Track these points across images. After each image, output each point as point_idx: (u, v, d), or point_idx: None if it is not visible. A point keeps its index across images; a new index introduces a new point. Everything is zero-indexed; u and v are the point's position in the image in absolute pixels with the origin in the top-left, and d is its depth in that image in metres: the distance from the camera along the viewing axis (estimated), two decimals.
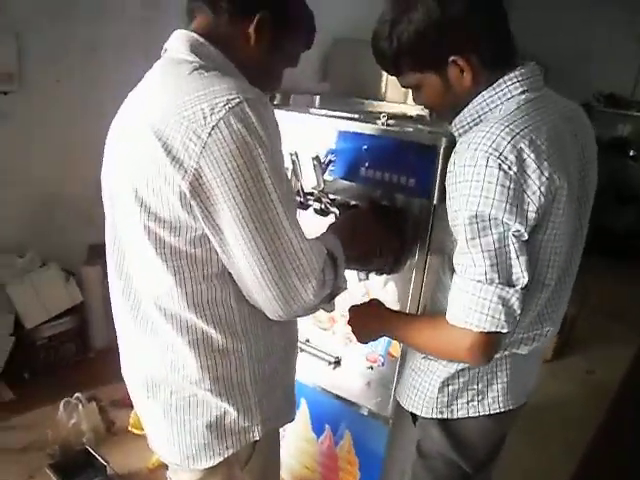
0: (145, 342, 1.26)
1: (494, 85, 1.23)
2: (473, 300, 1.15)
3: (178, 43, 1.20)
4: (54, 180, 3.39)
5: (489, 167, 1.10)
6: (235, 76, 1.18)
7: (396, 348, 1.80)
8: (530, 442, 2.91)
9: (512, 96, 1.22)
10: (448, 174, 1.20)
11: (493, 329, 1.15)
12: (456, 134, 1.31)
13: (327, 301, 1.23)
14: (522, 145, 1.12)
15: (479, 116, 1.25)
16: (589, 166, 1.32)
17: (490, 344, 1.18)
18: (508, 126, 1.14)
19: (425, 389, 1.42)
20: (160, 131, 1.07)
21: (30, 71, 3.22)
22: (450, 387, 1.39)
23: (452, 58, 1.20)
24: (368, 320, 1.48)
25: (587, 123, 1.36)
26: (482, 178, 1.11)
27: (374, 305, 1.50)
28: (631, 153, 6.39)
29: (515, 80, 1.22)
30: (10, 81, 3.14)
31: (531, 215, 1.13)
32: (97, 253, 3.43)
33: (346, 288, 1.27)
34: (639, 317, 4.64)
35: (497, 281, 1.13)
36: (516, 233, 1.13)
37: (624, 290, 5.16)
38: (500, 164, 1.10)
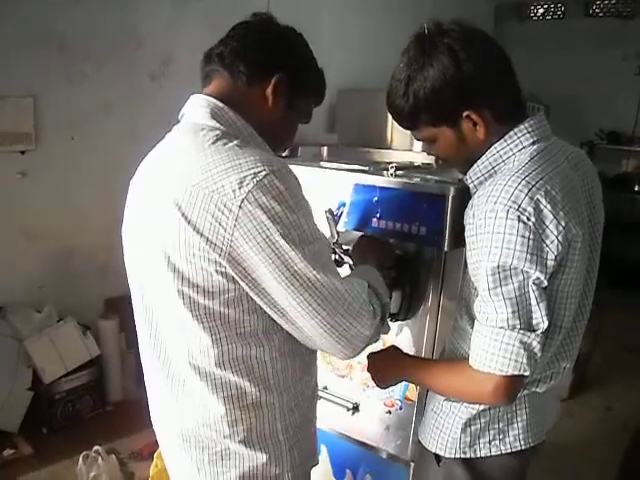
0: (176, 398, 1.27)
1: (506, 137, 1.28)
2: (496, 346, 1.19)
3: (197, 108, 1.24)
4: (69, 235, 3.47)
5: (509, 219, 1.15)
6: (256, 143, 1.23)
7: (413, 392, 1.81)
8: None
9: (524, 147, 1.27)
10: (467, 226, 1.25)
11: (516, 372, 1.19)
12: (471, 185, 1.36)
13: (383, 325, 1.30)
14: (539, 197, 1.17)
15: (493, 168, 1.30)
16: (597, 209, 1.38)
17: (513, 386, 1.22)
18: (524, 179, 1.19)
19: (448, 430, 1.44)
20: (188, 206, 1.09)
21: (46, 131, 3.33)
22: (472, 427, 1.41)
23: (466, 113, 1.26)
24: (386, 366, 1.52)
25: (591, 167, 1.42)
26: (503, 230, 1.16)
27: (392, 351, 1.54)
28: (636, 188, 6.44)
29: (525, 131, 1.28)
30: (28, 141, 3.25)
31: (550, 263, 1.18)
32: (113, 307, 3.49)
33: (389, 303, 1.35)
34: None
35: (519, 327, 1.18)
36: (536, 281, 1.17)
37: (635, 322, 5.13)
38: (519, 216, 1.15)
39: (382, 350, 1.57)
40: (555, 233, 1.17)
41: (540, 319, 1.19)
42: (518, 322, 1.18)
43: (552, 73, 6.31)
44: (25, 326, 3.18)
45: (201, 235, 1.08)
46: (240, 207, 1.06)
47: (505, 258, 1.16)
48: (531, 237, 1.15)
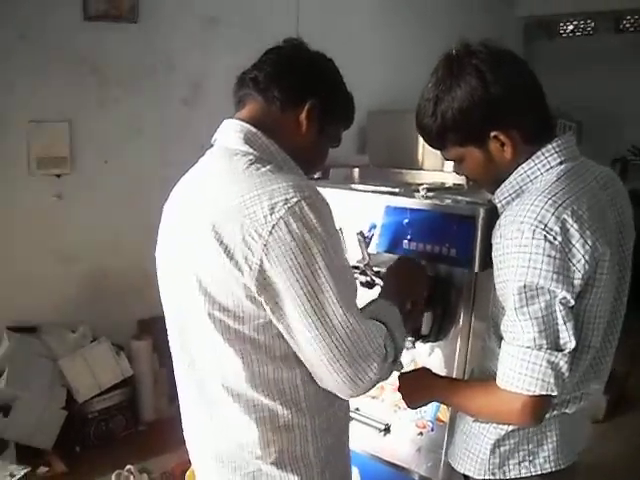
0: (210, 419, 1.29)
1: (533, 157, 1.29)
2: (523, 365, 1.19)
3: (231, 133, 1.26)
4: (104, 256, 3.53)
5: (535, 239, 1.16)
6: (289, 168, 1.25)
7: (445, 413, 1.80)
8: None
9: (551, 167, 1.28)
10: (495, 246, 1.25)
11: (543, 392, 1.19)
12: (498, 205, 1.36)
13: (395, 365, 1.27)
14: (565, 216, 1.17)
15: (520, 187, 1.30)
16: (627, 228, 1.37)
17: (540, 406, 1.22)
18: (551, 198, 1.19)
19: (477, 451, 1.43)
20: (220, 230, 1.11)
21: (81, 154, 3.42)
22: (502, 448, 1.40)
23: (494, 134, 1.26)
24: (417, 386, 1.51)
25: (621, 187, 1.41)
26: (529, 250, 1.16)
27: (422, 372, 1.54)
28: None
29: (553, 151, 1.28)
30: (63, 165, 3.33)
31: (577, 282, 1.18)
32: (146, 328, 3.53)
33: (406, 346, 1.33)
34: None
35: (545, 346, 1.18)
36: (563, 300, 1.17)
37: None
38: (546, 235, 1.15)
39: (413, 371, 1.57)
40: (582, 252, 1.17)
41: (567, 339, 1.18)
42: (545, 342, 1.17)
43: (583, 90, 6.26)
44: (60, 346, 3.24)
45: (231, 259, 1.10)
46: (270, 233, 1.08)
47: (532, 277, 1.16)
48: (557, 256, 1.15)
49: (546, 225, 1.16)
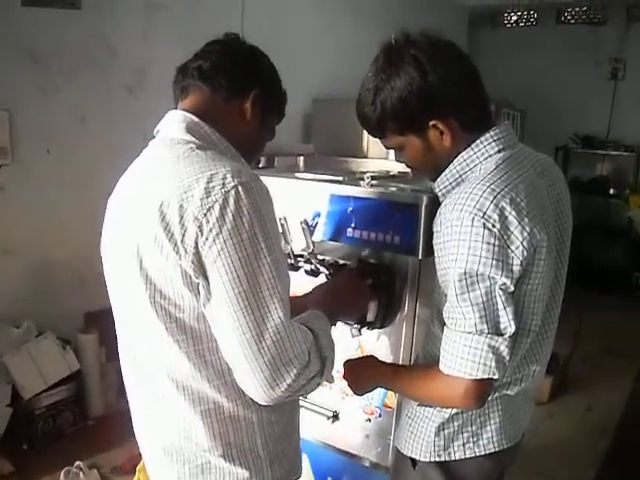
0: (157, 412, 1.28)
1: (472, 146, 1.31)
2: (465, 350, 1.22)
3: (174, 124, 1.26)
4: (47, 248, 3.45)
5: (474, 227, 1.18)
6: (232, 155, 1.25)
7: (392, 399, 1.83)
8: None
9: (489, 155, 1.30)
10: (435, 234, 1.27)
11: (485, 376, 1.22)
12: (439, 194, 1.39)
13: (321, 376, 1.21)
14: (503, 204, 1.19)
15: (460, 176, 1.33)
16: (565, 214, 1.40)
17: (482, 390, 1.25)
18: (490, 186, 1.21)
19: (422, 434, 1.46)
20: (163, 212, 1.11)
21: (22, 144, 3.31)
22: (446, 431, 1.43)
23: (432, 122, 1.28)
24: (363, 373, 1.53)
25: (559, 173, 1.44)
26: (468, 237, 1.18)
27: (368, 359, 1.57)
28: (611, 191, 6.53)
29: (491, 140, 1.30)
30: (4, 155, 3.23)
31: (516, 268, 1.21)
32: (93, 321, 3.47)
33: (334, 359, 1.26)
34: (632, 350, 4.69)
35: (486, 331, 1.20)
36: (503, 286, 1.20)
37: (614, 324, 5.22)
38: (484, 223, 1.17)
39: (358, 358, 1.59)
40: (520, 239, 1.20)
41: (507, 323, 1.21)
42: (486, 327, 1.20)
43: (526, 79, 6.40)
44: (3, 342, 3.16)
45: (170, 240, 1.10)
46: (205, 215, 1.08)
47: (472, 265, 1.18)
48: (496, 243, 1.18)
49: (485, 213, 1.18)
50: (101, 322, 3.10)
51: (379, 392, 1.81)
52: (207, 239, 1.08)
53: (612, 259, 6.34)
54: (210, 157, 1.18)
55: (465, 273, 1.19)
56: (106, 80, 3.61)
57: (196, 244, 1.09)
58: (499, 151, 1.30)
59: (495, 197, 1.20)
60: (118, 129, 3.60)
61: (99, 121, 3.59)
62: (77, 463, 2.73)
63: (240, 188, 1.10)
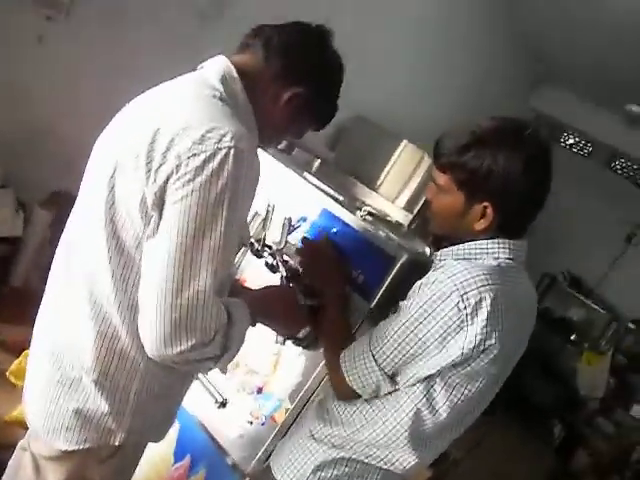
0: (63, 314, 1.29)
1: (489, 241, 1.35)
2: (362, 367, 1.36)
3: (215, 67, 1.27)
4: (48, 114, 3.35)
5: (449, 299, 1.24)
6: (246, 118, 1.25)
7: (281, 415, 1.83)
8: None
9: (498, 257, 1.34)
10: (412, 291, 1.35)
11: (357, 391, 1.39)
12: (436, 260, 1.42)
13: (216, 362, 1.21)
14: (486, 295, 1.24)
15: (464, 258, 1.36)
16: (523, 342, 1.45)
17: (348, 393, 1.42)
18: (484, 274, 1.26)
19: (300, 466, 1.48)
20: (157, 136, 1.13)
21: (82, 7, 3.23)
22: (322, 473, 1.45)
23: (486, 204, 1.32)
24: (324, 278, 1.65)
25: (535, 309, 1.48)
26: (439, 302, 1.25)
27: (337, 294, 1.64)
28: (572, 337, 6.61)
29: (507, 247, 1.35)
30: (59, 6, 3.14)
31: (454, 351, 1.27)
32: (56, 200, 3.42)
33: (235, 354, 1.25)
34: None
35: (385, 370, 1.34)
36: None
37: (513, 455, 5.22)
38: (458, 302, 1.23)
39: (335, 261, 1.68)
40: (476, 332, 1.24)
41: (387, 360, 1.34)
42: (389, 368, 1.35)
43: (554, 200, 6.44)
44: None
45: (147, 163, 1.12)
46: (188, 158, 1.09)
47: (425, 323, 1.27)
48: (452, 325, 1.25)
49: (466, 293, 1.23)
50: (62, 205, 3.05)
51: (273, 403, 1.82)
52: (178, 180, 1.09)
53: (541, 397, 6.38)
54: (224, 111, 1.18)
55: (416, 320, 1.28)
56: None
57: (167, 179, 1.10)
58: (507, 258, 1.35)
59: (483, 286, 1.24)
60: (180, 49, 3.51)
61: (165, 33, 3.47)
62: None
63: (232, 151, 1.10)
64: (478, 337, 1.24)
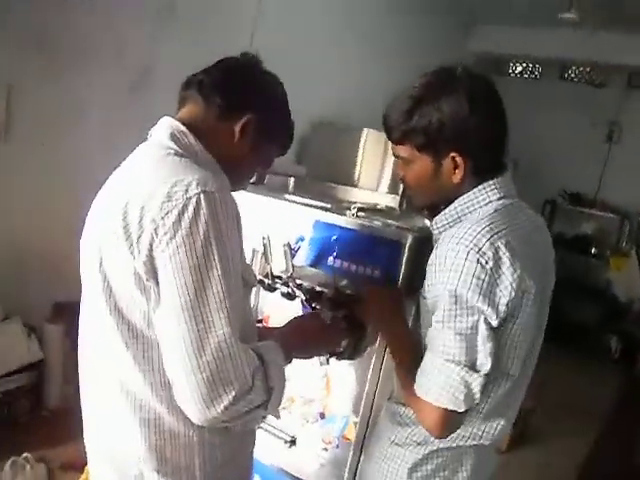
0: (102, 413, 1.27)
1: (475, 190, 1.34)
2: (439, 377, 1.24)
3: (162, 130, 1.26)
4: (26, 233, 3.40)
5: (468, 260, 1.21)
6: (211, 168, 1.23)
7: (351, 432, 1.82)
8: None
9: (490, 201, 1.33)
10: (429, 267, 1.30)
11: (450, 407, 1.23)
12: (435, 232, 1.41)
13: (266, 408, 1.17)
14: (499, 244, 1.22)
15: (459, 217, 1.35)
16: (550, 273, 1.43)
17: (447, 420, 1.27)
18: (489, 225, 1.25)
19: (394, 475, 1.44)
20: (127, 210, 1.12)
21: (17, 127, 3.26)
22: (419, 473, 1.42)
23: (453, 154, 1.30)
24: (387, 309, 1.53)
25: (548, 237, 1.47)
26: (461, 269, 1.21)
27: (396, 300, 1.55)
28: (593, 251, 6.60)
29: (494, 187, 1.33)
30: None
31: (502, 308, 1.23)
32: (61, 311, 3.42)
33: (281, 395, 1.21)
34: (594, 410, 4.72)
35: (463, 363, 1.22)
36: (487, 322, 1.22)
37: (579, 382, 5.23)
38: (478, 258, 1.20)
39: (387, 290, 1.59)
40: (510, 280, 1.22)
41: (484, 360, 1.23)
42: (464, 359, 1.22)
43: (523, 130, 6.42)
44: None
45: (127, 239, 1.10)
46: (162, 219, 1.08)
47: (461, 295, 1.21)
48: (486, 280, 1.21)
49: (480, 249, 1.21)
50: (69, 314, 3.04)
51: (340, 422, 1.81)
52: (161, 242, 1.07)
53: (586, 318, 6.38)
54: (183, 164, 1.17)
55: (456, 302, 1.22)
56: (110, 75, 3.57)
57: (150, 246, 1.08)
58: (499, 199, 1.33)
59: (492, 236, 1.23)
60: (116, 126, 3.56)
61: (98, 115, 3.56)
62: (25, 455, 2.68)
63: (202, 196, 1.09)
64: (514, 284, 1.23)
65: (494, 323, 1.23)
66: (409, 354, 1.40)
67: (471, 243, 1.21)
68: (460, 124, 1.28)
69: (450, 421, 1.27)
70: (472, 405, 1.26)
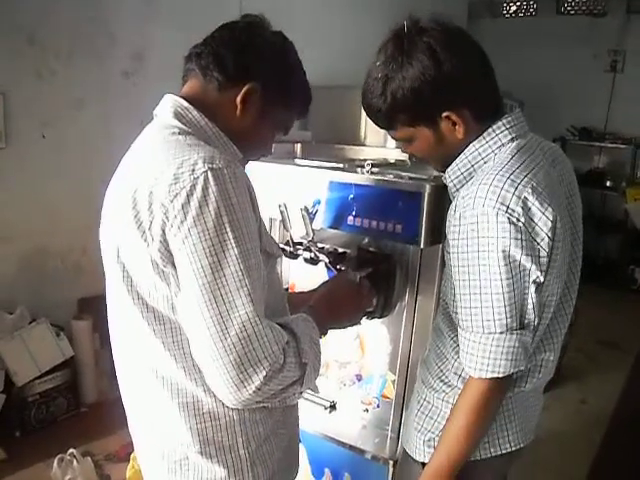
0: (141, 401, 1.26)
1: (484, 135, 1.28)
2: (499, 351, 1.20)
3: (165, 108, 1.22)
4: (42, 234, 3.41)
5: (500, 222, 1.15)
6: (222, 143, 1.20)
7: (390, 390, 1.82)
8: (526, 475, 2.91)
9: (502, 144, 1.27)
10: (453, 228, 1.23)
11: (514, 370, 1.22)
12: (450, 185, 1.35)
13: (302, 384, 1.14)
14: (526, 194, 1.17)
15: (472, 166, 1.29)
16: (576, 203, 1.38)
17: (506, 383, 1.26)
18: (509, 177, 1.18)
19: (435, 435, 1.41)
20: (136, 198, 1.09)
21: (17, 128, 3.25)
22: None
23: (445, 114, 1.25)
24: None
25: (568, 162, 1.42)
26: (495, 234, 1.16)
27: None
28: (608, 184, 6.53)
29: (504, 128, 1.28)
30: None
31: (543, 260, 1.20)
32: (87, 307, 3.45)
33: (317, 369, 1.18)
34: (626, 342, 4.72)
35: (516, 327, 1.20)
36: (535, 279, 1.19)
37: (609, 316, 5.23)
38: (509, 217, 1.15)
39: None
40: (545, 230, 1.18)
41: (532, 317, 1.21)
42: (516, 324, 1.20)
43: (525, 70, 6.36)
44: None
45: (139, 227, 1.07)
46: (171, 202, 1.04)
47: (504, 261, 1.16)
48: (523, 238, 1.16)
49: (508, 207, 1.15)
50: (95, 308, 3.06)
51: (378, 382, 1.80)
52: (172, 226, 1.04)
53: (607, 252, 6.36)
54: (188, 143, 1.13)
55: (501, 265, 1.17)
56: (104, 65, 3.55)
57: (163, 231, 1.05)
58: (512, 140, 1.28)
59: (517, 188, 1.17)
60: (115, 115, 3.55)
61: (96, 106, 3.54)
62: (70, 450, 2.71)
63: (210, 174, 1.05)
64: (550, 232, 1.18)
65: (541, 278, 1.19)
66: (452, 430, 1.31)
67: (497, 202, 1.15)
68: (433, 83, 1.21)
69: (508, 383, 1.27)
70: (527, 360, 1.26)
